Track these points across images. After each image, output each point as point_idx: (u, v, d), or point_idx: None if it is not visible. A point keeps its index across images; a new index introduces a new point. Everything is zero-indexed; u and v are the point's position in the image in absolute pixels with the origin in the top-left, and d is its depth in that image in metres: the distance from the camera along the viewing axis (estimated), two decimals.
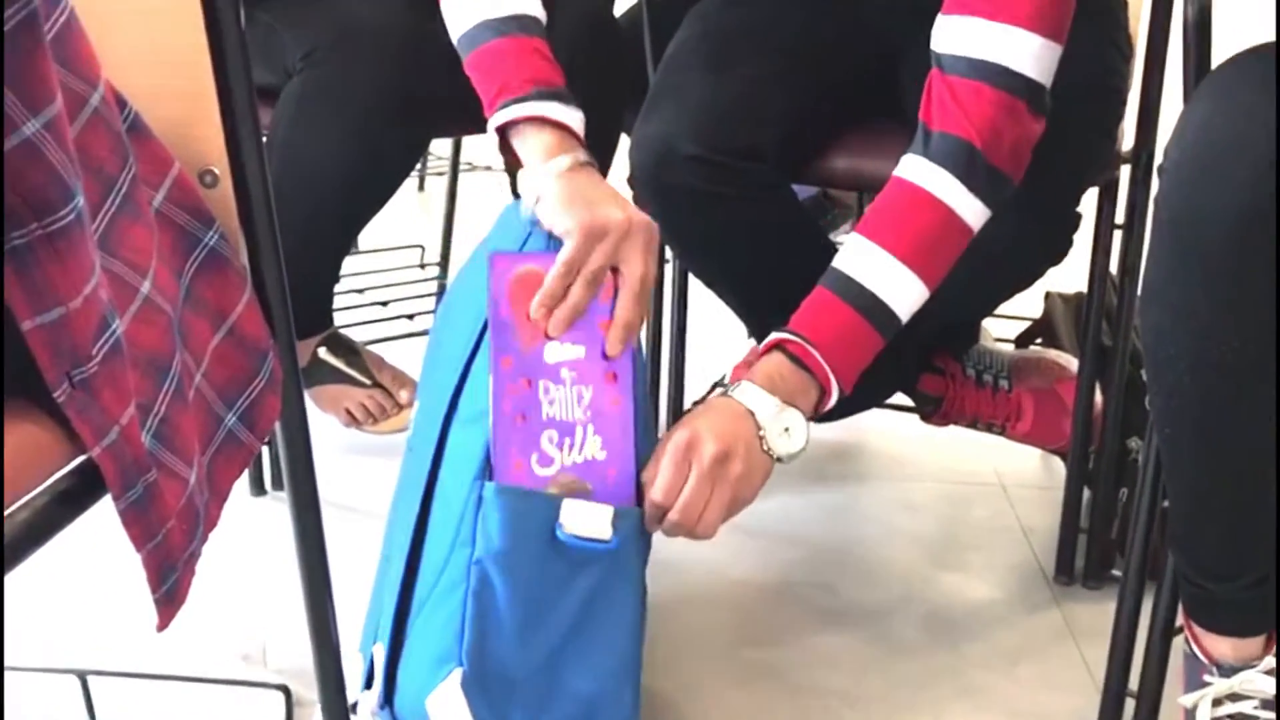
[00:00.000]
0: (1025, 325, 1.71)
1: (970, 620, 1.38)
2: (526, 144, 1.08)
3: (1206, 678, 1.04)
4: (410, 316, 2.05)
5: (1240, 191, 0.85)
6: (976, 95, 1.09)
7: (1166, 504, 1.03)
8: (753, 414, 1.04)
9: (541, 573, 0.97)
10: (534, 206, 1.06)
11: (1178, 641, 1.08)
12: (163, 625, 0.78)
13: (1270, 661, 1.02)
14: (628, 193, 1.31)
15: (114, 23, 0.82)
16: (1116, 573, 1.40)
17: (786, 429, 1.05)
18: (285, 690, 1.20)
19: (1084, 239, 1.34)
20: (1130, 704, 1.12)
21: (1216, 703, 1.03)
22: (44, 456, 0.70)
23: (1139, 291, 0.96)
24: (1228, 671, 1.03)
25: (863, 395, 1.13)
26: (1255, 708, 1.01)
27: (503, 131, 1.10)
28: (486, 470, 0.98)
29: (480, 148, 2.81)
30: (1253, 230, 0.86)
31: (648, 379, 1.20)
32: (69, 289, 0.67)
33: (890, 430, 1.78)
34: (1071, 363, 1.52)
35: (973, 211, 1.10)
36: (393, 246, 2.35)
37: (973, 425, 1.53)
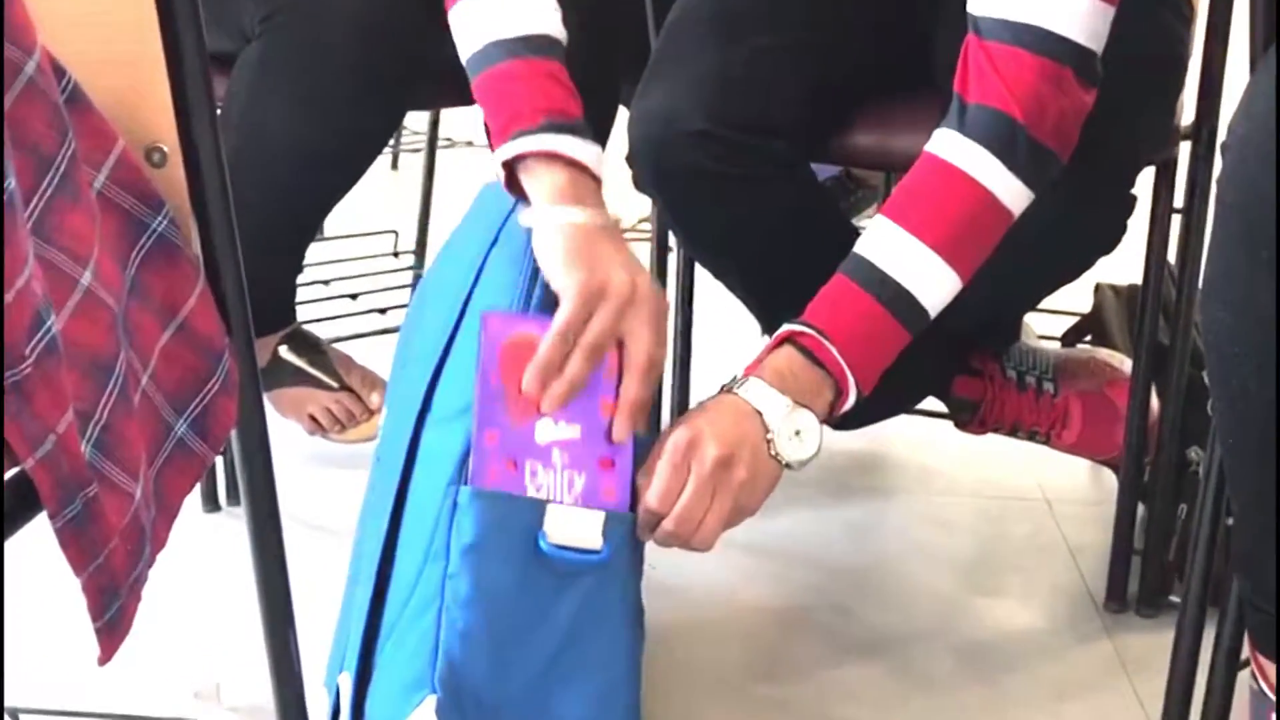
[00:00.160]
0: (1073, 321, 1.71)
1: (1009, 651, 1.38)
2: (535, 183, 1.06)
3: (1275, 717, 1.04)
4: (382, 310, 2.05)
5: None
6: (1018, 63, 1.09)
7: (1230, 521, 1.03)
8: (760, 414, 1.04)
9: (523, 587, 0.97)
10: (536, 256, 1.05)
11: (1243, 676, 1.08)
12: (105, 658, 0.78)
13: None
14: (626, 175, 1.31)
15: None
16: (1174, 598, 1.40)
17: (797, 432, 1.05)
18: None
19: (1139, 224, 1.34)
20: None
21: None
22: None
23: (1200, 283, 0.96)
24: None
25: (889, 399, 1.13)
26: None
27: (510, 166, 1.08)
28: (463, 474, 0.98)
29: (461, 122, 2.81)
30: None
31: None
32: None
33: (920, 439, 1.78)
34: (1124, 363, 1.52)
35: (1013, 193, 1.10)
36: (363, 232, 2.35)
37: (1013, 433, 1.53)
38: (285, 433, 1.68)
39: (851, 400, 1.08)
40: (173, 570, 1.29)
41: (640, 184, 1.32)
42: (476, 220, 1.14)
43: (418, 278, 2.12)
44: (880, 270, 1.09)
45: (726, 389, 1.07)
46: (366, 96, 1.48)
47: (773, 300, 1.41)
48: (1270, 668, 1.04)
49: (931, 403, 1.55)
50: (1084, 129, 1.13)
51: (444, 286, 1.13)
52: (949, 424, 1.56)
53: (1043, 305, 1.55)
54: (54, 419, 0.71)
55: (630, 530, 1.01)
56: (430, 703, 0.97)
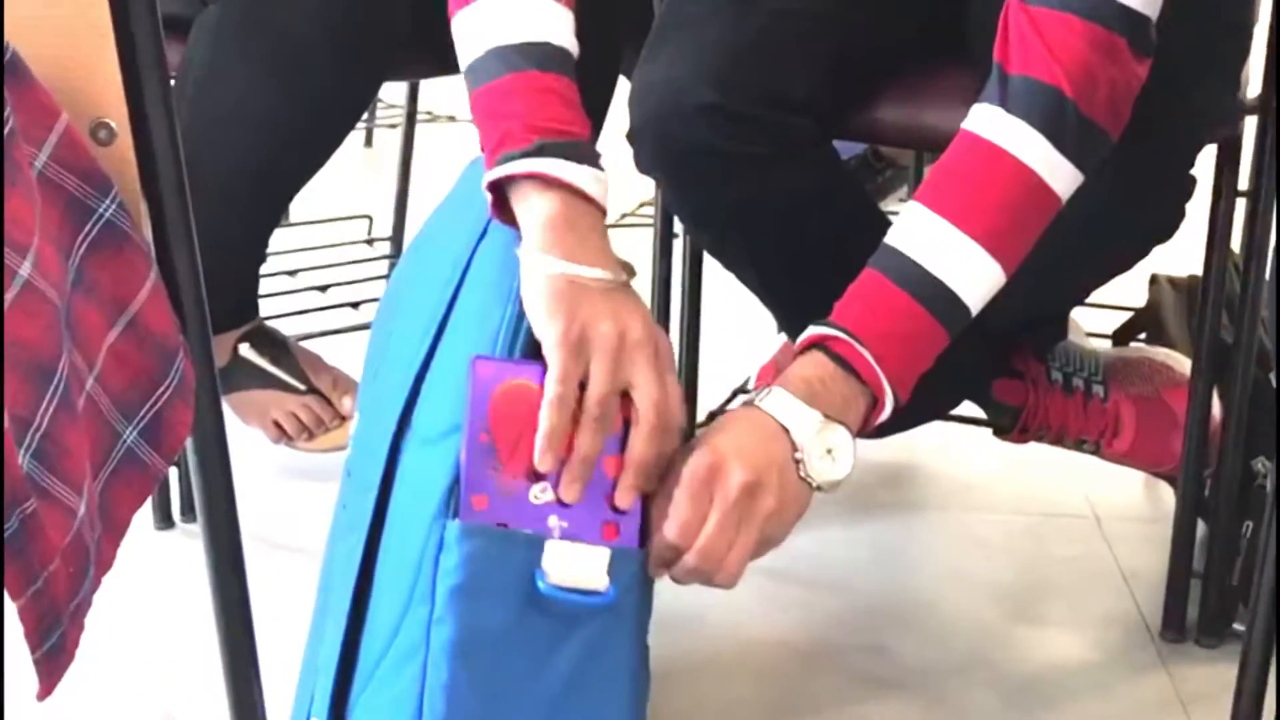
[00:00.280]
0: (1126, 317, 1.71)
1: (1055, 686, 1.38)
2: (525, 212, 1.04)
3: None
4: (355, 305, 2.05)
5: None
6: (1066, 29, 1.09)
7: None
8: (788, 432, 1.03)
9: (518, 635, 0.97)
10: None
11: None
12: (45, 692, 0.78)
13: None
14: (626, 154, 1.31)
15: None
16: (1238, 627, 1.40)
17: (829, 450, 1.05)
18: None
19: (1199, 209, 1.33)
20: None
21: None
22: None
23: (1267, 275, 0.96)
24: None
25: (921, 405, 1.13)
26: None
27: (500, 190, 1.06)
28: (451, 505, 0.97)
29: (441, 94, 2.81)
30: None
31: None
32: None
33: (956, 448, 1.78)
34: (1183, 364, 1.52)
35: (1062, 175, 1.10)
36: (333, 217, 2.35)
37: (1059, 442, 1.53)
38: (246, 441, 1.68)
39: (888, 411, 1.08)
40: (120, 595, 1.29)
41: (642, 164, 1.32)
42: (462, 204, 1.14)
43: (394, 267, 2.12)
44: (916, 264, 1.08)
45: (748, 402, 1.06)
46: (338, 65, 1.48)
47: (791, 295, 1.41)
48: None
49: (968, 408, 1.55)
50: (1137, 104, 1.13)
51: (424, 281, 1.12)
52: (987, 432, 1.56)
53: (1092, 299, 1.55)
54: None
55: (640, 567, 1.00)
56: None
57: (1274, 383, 1.37)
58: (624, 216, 2.68)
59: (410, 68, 1.72)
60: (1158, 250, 1.35)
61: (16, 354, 0.76)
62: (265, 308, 1.73)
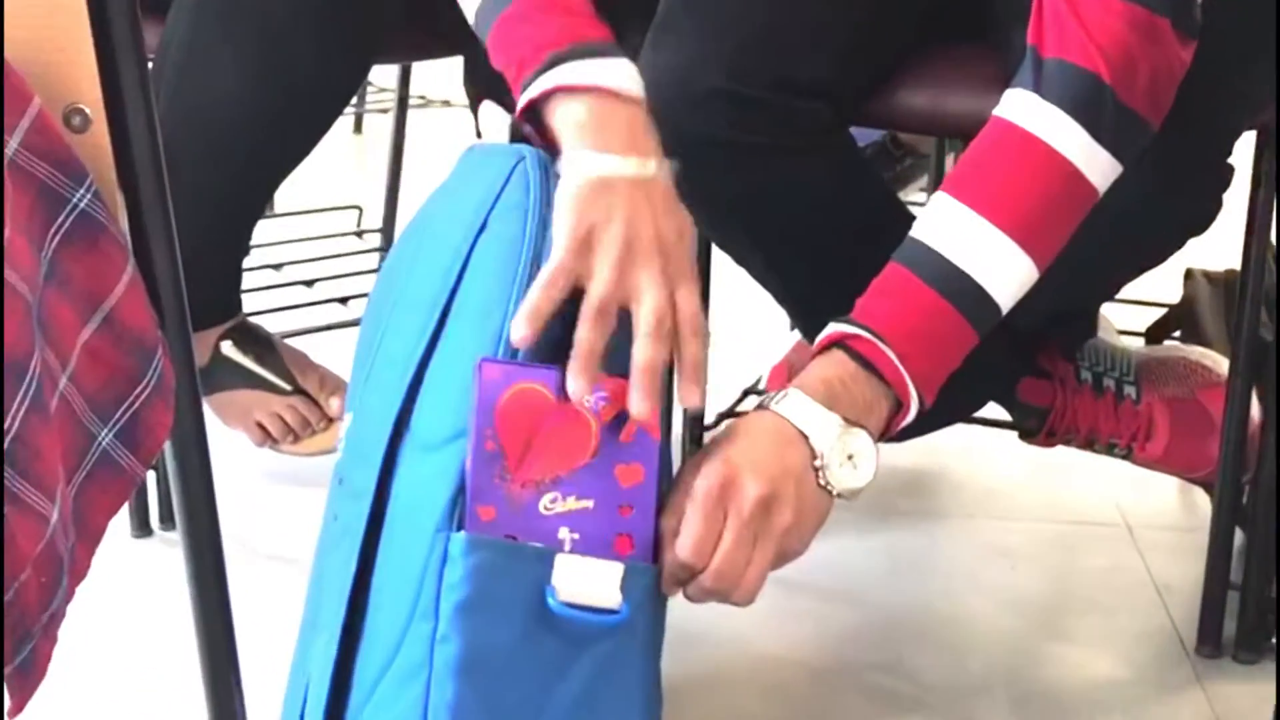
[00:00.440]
0: (1159, 313, 1.70)
1: (1084, 706, 1.38)
2: (559, 126, 1.04)
3: None
4: (343, 300, 2.05)
5: None
6: (1104, 10, 1.09)
7: None
8: (806, 438, 1.03)
9: (527, 654, 0.96)
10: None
11: None
12: (16, 709, 0.78)
13: None
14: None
15: None
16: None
17: (850, 457, 1.04)
18: None
19: (1236, 199, 1.33)
20: None
21: None
22: None
23: None
24: None
25: (944, 407, 1.13)
26: None
27: (535, 119, 1.06)
28: (455, 516, 0.97)
29: (435, 77, 2.81)
30: None
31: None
32: None
33: (979, 453, 1.78)
34: (1220, 363, 1.52)
35: (1099, 166, 1.10)
36: (320, 208, 2.36)
37: (1088, 446, 1.53)
38: (229, 444, 1.68)
39: (912, 415, 1.08)
40: (95, 606, 1.30)
41: None
42: (459, 193, 1.13)
43: (385, 261, 2.12)
44: (944, 258, 1.08)
45: (763, 404, 1.06)
46: (324, 46, 1.48)
47: (805, 291, 1.41)
48: None
49: (992, 410, 1.55)
50: (1178, 88, 1.12)
51: (419, 274, 1.12)
52: (1013, 435, 1.56)
53: (1123, 295, 1.55)
54: None
55: (653, 582, 1.00)
56: None
57: None
58: None
59: (402, 49, 1.72)
60: (1193, 243, 1.35)
61: None
62: (248, 303, 1.73)
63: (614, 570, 0.97)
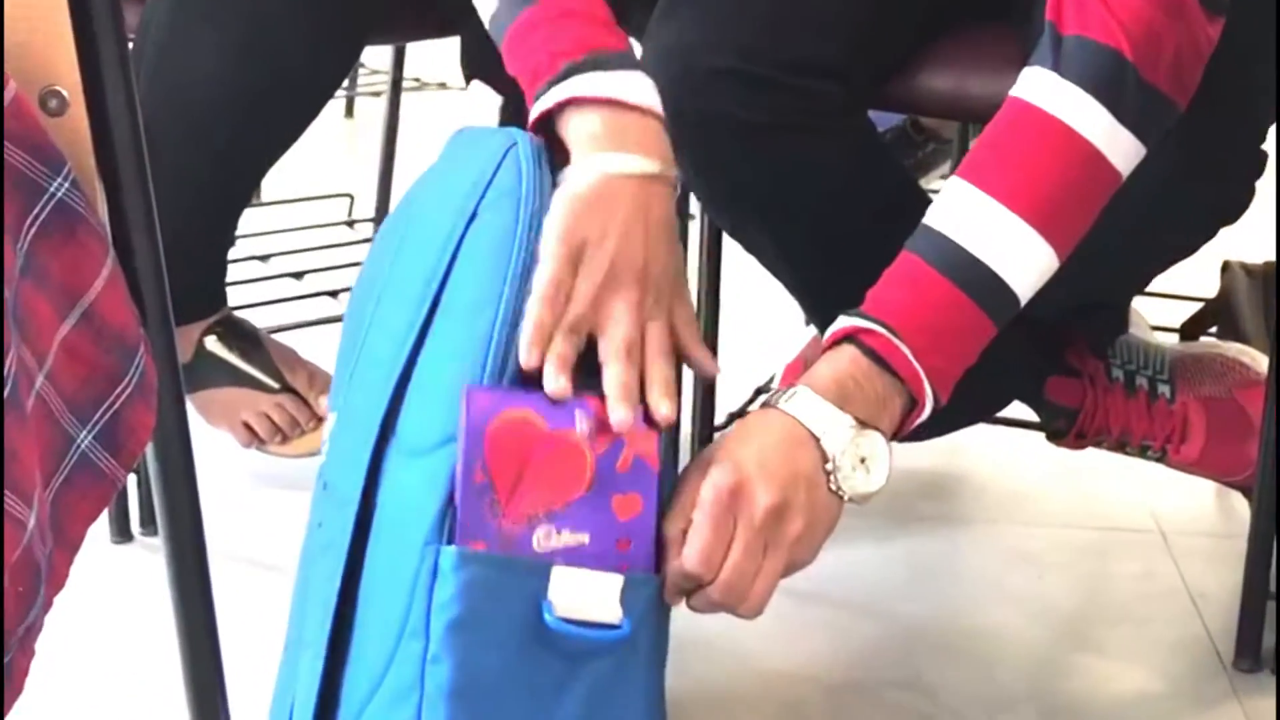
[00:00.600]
0: (1194, 308, 1.70)
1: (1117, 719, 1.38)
2: (571, 138, 1.05)
3: None
4: (334, 293, 2.06)
5: None
6: None
7: None
8: (818, 440, 1.04)
9: (524, 674, 0.96)
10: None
11: None
12: None
13: None
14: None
15: None
16: None
17: (863, 460, 1.04)
18: None
19: (1272, 187, 1.33)
20: None
21: None
22: None
23: None
24: None
25: (965, 406, 1.13)
26: None
27: (548, 130, 1.07)
28: (445, 529, 0.97)
29: (431, 58, 2.81)
30: None
31: None
32: None
33: (1004, 455, 1.78)
34: (1259, 361, 1.52)
35: (1122, 148, 1.10)
36: (310, 196, 2.36)
37: (1120, 448, 1.53)
38: (213, 445, 1.68)
39: (927, 412, 1.08)
40: (74, 616, 1.30)
41: None
42: (449, 178, 1.13)
43: None
44: (959, 246, 1.08)
45: (770, 403, 1.06)
46: (314, 26, 1.48)
47: (820, 284, 1.41)
48: None
49: (1018, 410, 1.55)
50: (1206, 67, 1.13)
51: (405, 266, 1.11)
52: (1040, 436, 1.56)
53: (1156, 288, 1.55)
54: None
55: (656, 594, 1.00)
56: None
57: None
58: None
59: (396, 29, 1.72)
60: (1230, 234, 1.35)
61: None
62: (234, 297, 1.73)
63: (613, 582, 0.97)
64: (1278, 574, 1.44)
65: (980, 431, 1.58)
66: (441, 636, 0.95)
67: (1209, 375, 1.51)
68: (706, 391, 1.60)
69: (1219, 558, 1.60)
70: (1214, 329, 1.66)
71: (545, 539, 0.97)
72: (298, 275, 2.10)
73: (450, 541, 0.96)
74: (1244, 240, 1.43)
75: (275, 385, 1.67)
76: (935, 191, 1.14)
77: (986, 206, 1.09)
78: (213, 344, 1.65)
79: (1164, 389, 1.50)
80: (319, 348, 1.76)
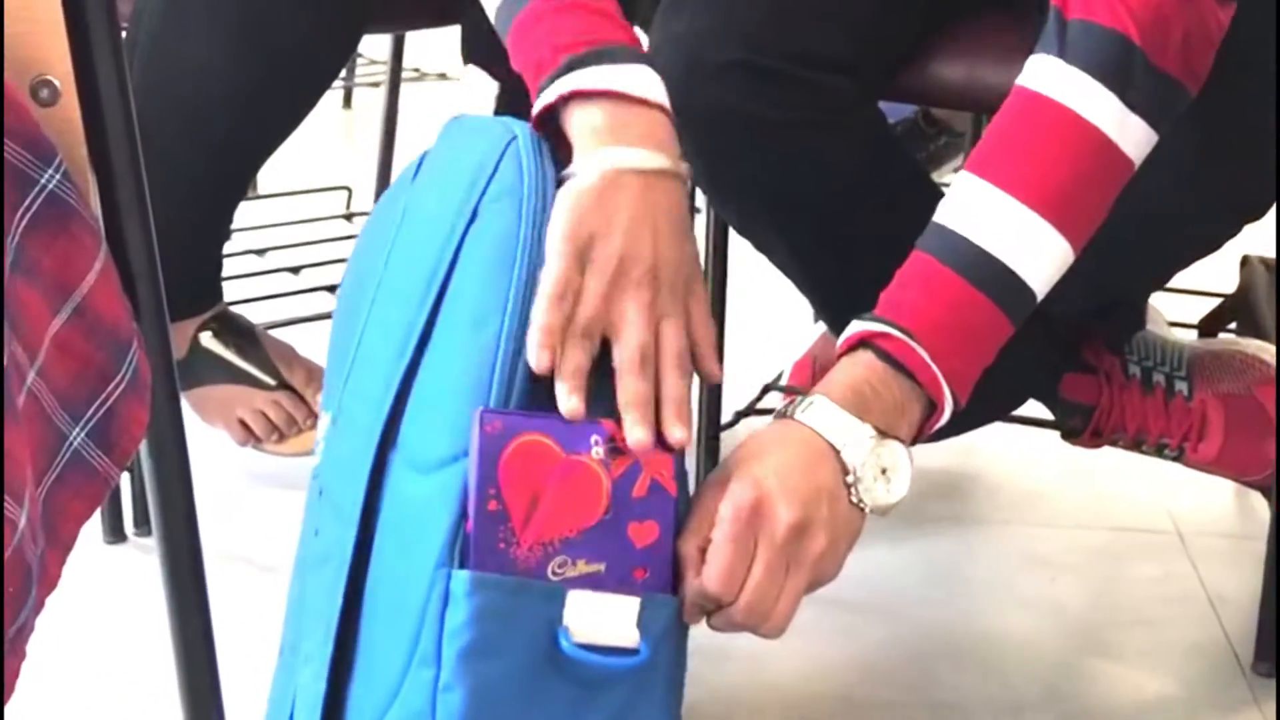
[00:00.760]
0: (1213, 304, 1.70)
1: None
2: (574, 133, 1.04)
3: None
4: (332, 289, 2.05)
5: None
6: None
7: None
8: (838, 452, 1.03)
9: (539, 702, 0.96)
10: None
11: None
12: None
13: None
14: None
15: None
16: None
17: (884, 471, 1.04)
18: None
19: None
20: None
21: None
22: None
23: None
24: None
25: (979, 405, 1.12)
26: None
27: (551, 124, 1.06)
28: (456, 551, 0.96)
29: (430, 48, 2.81)
30: None
31: None
32: None
33: (1019, 454, 1.77)
34: None
35: (1132, 134, 1.10)
36: (307, 189, 2.36)
37: (1137, 447, 1.53)
38: (209, 443, 1.68)
39: (946, 416, 1.07)
40: (66, 617, 1.30)
41: None
42: (447, 171, 1.12)
43: None
44: (971, 243, 1.08)
45: (786, 414, 1.06)
46: (311, 14, 1.48)
47: (830, 280, 1.41)
48: None
49: (1033, 408, 1.55)
50: (1223, 52, 1.12)
51: (403, 261, 1.10)
52: (1055, 435, 1.56)
53: (1174, 284, 1.55)
54: None
55: (674, 617, 0.99)
56: None
57: None
58: None
59: (395, 17, 1.72)
60: (1250, 228, 1.34)
61: None
62: (230, 291, 1.73)
63: (631, 605, 0.96)
64: None
65: (993, 430, 1.58)
66: (453, 664, 0.95)
67: (1228, 372, 1.51)
68: (713, 390, 1.60)
69: (1238, 559, 1.60)
70: (1233, 325, 1.66)
71: (560, 568, 0.97)
72: (295, 270, 2.11)
73: (462, 565, 0.95)
74: (1264, 236, 1.43)
75: (272, 382, 1.67)
76: (948, 185, 1.14)
77: (997, 200, 1.09)
78: (208, 340, 1.65)
79: (1181, 386, 1.50)
80: (316, 344, 1.76)
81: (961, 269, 1.08)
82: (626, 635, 0.96)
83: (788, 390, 1.71)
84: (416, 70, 3.20)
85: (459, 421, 0.97)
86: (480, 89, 1.13)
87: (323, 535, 1.09)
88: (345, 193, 2.35)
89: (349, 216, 2.33)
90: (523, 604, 0.95)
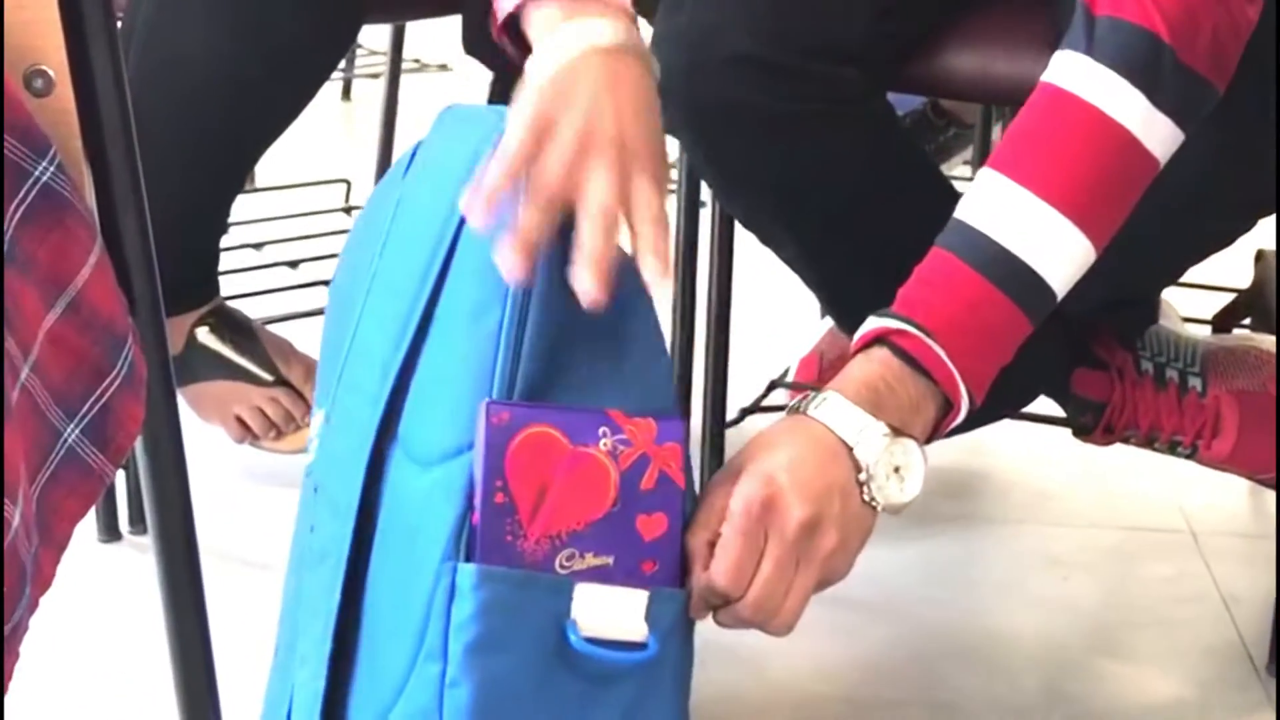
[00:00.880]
0: (1227, 299, 1.70)
1: None
2: (534, 35, 1.04)
3: None
4: (330, 283, 2.05)
5: None
6: None
7: None
8: (850, 449, 1.03)
9: (547, 697, 0.96)
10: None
11: None
12: None
13: None
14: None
15: None
16: None
17: (897, 469, 1.04)
18: None
19: None
20: None
21: None
22: None
23: None
24: None
25: (990, 401, 1.12)
26: None
27: (516, 38, 1.06)
28: (461, 545, 0.96)
29: (430, 39, 2.81)
30: None
31: (674, 382, 1.19)
32: None
33: (1029, 452, 1.77)
34: None
35: (1159, 134, 1.10)
36: (305, 182, 2.36)
37: (1149, 444, 1.53)
38: (205, 440, 1.68)
39: (962, 416, 1.07)
40: (60, 617, 1.30)
41: (665, 123, 1.31)
42: (441, 162, 1.12)
43: None
44: (992, 241, 1.08)
45: (799, 409, 1.05)
46: (310, 4, 1.48)
47: (837, 274, 1.41)
48: None
49: (1043, 404, 1.55)
50: (1246, 48, 1.12)
51: (398, 254, 1.10)
52: (1066, 432, 1.56)
53: (1188, 279, 1.55)
54: None
55: (681, 610, 1.00)
56: None
57: None
58: None
59: (394, 7, 1.72)
60: (1265, 223, 1.34)
61: None
62: (227, 286, 1.73)
63: (639, 598, 0.97)
64: None
65: (1003, 428, 1.58)
66: (460, 658, 0.95)
67: (1242, 368, 1.51)
68: (718, 385, 1.60)
69: (1252, 559, 1.60)
70: (1247, 320, 1.66)
71: (567, 561, 0.97)
72: (293, 264, 2.10)
73: (469, 559, 0.95)
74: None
75: (269, 378, 1.67)
76: (956, 179, 1.14)
77: (1020, 198, 1.09)
78: (204, 335, 1.65)
79: (1195, 382, 1.50)
80: (314, 339, 1.75)
81: (981, 267, 1.07)
82: (635, 629, 0.96)
83: (794, 387, 1.70)
84: (417, 61, 3.20)
85: (461, 414, 0.98)
86: (476, 78, 1.12)
87: (319, 532, 1.09)
88: (344, 186, 2.35)
89: (348, 210, 2.33)
90: (530, 597, 0.95)
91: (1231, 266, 1.64)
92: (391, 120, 2.21)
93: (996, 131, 2.17)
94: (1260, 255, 1.68)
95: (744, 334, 1.64)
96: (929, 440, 1.07)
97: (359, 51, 3.16)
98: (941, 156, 2.27)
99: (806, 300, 1.60)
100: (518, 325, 0.99)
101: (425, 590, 0.96)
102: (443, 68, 3.21)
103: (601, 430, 0.97)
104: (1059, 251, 1.09)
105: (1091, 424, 1.52)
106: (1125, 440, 1.53)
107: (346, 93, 3.15)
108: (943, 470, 1.74)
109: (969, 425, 1.44)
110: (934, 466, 1.06)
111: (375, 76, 2.91)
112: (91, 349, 0.88)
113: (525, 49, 1.05)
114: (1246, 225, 1.38)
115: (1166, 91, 1.09)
